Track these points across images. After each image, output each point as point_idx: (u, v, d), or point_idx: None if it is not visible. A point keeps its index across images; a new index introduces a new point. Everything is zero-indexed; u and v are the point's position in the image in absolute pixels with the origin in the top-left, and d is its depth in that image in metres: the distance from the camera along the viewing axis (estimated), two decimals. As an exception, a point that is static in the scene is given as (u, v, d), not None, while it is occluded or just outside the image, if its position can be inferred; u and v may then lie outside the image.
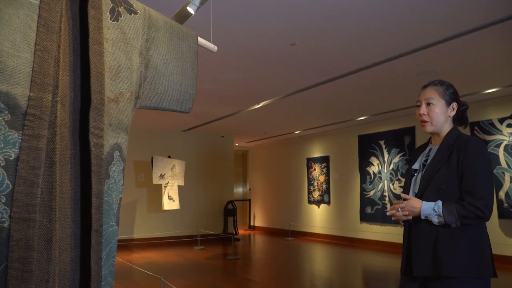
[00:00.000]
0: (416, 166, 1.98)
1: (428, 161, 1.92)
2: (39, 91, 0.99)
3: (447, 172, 1.80)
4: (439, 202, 1.75)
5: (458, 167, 1.78)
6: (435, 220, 1.76)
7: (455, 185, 1.78)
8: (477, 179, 1.73)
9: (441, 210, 1.73)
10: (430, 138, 2.02)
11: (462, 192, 1.75)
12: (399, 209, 1.86)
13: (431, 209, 1.76)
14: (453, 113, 1.91)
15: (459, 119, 1.96)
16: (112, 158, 1.21)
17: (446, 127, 1.92)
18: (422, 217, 1.79)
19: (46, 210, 0.99)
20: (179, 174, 8.26)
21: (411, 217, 1.84)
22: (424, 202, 1.79)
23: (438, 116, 1.89)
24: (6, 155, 0.94)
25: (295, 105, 6.88)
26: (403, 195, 1.89)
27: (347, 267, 6.59)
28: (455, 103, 1.91)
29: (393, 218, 1.90)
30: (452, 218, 1.71)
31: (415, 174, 1.95)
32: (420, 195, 1.85)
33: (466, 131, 2.03)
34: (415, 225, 1.86)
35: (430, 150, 1.97)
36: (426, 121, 1.92)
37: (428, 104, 1.91)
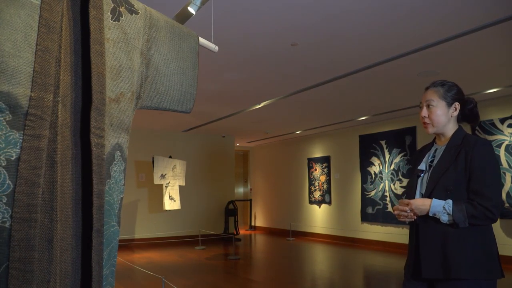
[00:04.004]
0: (422, 166, 1.95)
1: (435, 162, 1.90)
2: (40, 91, 0.99)
3: (454, 172, 1.79)
4: (450, 201, 1.74)
5: (466, 168, 1.77)
6: (443, 218, 1.74)
7: (463, 186, 1.76)
8: (486, 180, 1.72)
9: (451, 208, 1.72)
10: (435, 138, 2.00)
11: (470, 193, 1.74)
12: (408, 210, 1.83)
13: (441, 206, 1.74)
14: (456, 113, 1.90)
15: (468, 117, 1.93)
16: (113, 158, 1.21)
17: (449, 127, 1.91)
18: (430, 214, 1.77)
19: (47, 210, 0.99)
20: (180, 174, 8.26)
21: (415, 217, 1.83)
22: (435, 200, 1.77)
23: (439, 117, 1.89)
24: (7, 155, 0.94)
25: (296, 105, 6.88)
26: (406, 201, 1.85)
27: (348, 267, 6.58)
28: (457, 103, 1.89)
29: (400, 219, 1.86)
30: (461, 217, 1.70)
31: (421, 175, 1.93)
32: (428, 196, 1.83)
33: (467, 131, 2.01)
34: (423, 225, 1.83)
35: (435, 150, 1.96)
36: (427, 123, 1.93)
37: (429, 106, 1.91)
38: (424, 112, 1.92)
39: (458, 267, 1.71)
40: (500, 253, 1.85)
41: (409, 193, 1.96)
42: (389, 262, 6.71)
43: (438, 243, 1.77)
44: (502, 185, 6.05)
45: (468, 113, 1.92)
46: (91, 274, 1.10)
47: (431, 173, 1.88)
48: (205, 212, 9.99)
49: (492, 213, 1.68)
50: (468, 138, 1.84)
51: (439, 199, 1.78)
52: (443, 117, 1.89)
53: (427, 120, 1.92)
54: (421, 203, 1.80)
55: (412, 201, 1.83)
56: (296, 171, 10.76)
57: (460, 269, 1.71)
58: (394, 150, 8.01)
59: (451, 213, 1.72)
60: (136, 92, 1.34)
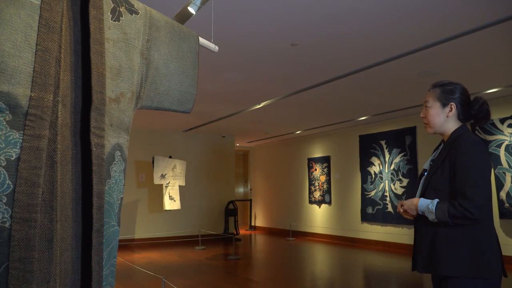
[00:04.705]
0: (426, 165, 2.01)
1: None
2: (40, 91, 0.99)
3: (442, 172, 1.83)
4: (435, 201, 1.79)
5: (451, 167, 1.80)
6: (430, 217, 1.80)
7: (451, 185, 1.80)
8: (467, 180, 1.73)
9: (434, 208, 1.77)
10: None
11: (456, 192, 1.77)
12: (401, 209, 1.94)
13: (426, 206, 1.81)
14: (452, 113, 1.90)
15: (474, 117, 1.91)
16: (113, 158, 1.21)
17: (448, 127, 1.92)
18: (420, 213, 1.84)
19: (47, 210, 0.99)
20: (180, 174, 8.26)
21: (414, 214, 1.90)
22: (422, 199, 1.84)
23: (434, 118, 1.93)
24: (7, 155, 0.94)
25: (296, 105, 6.88)
26: (401, 202, 1.98)
27: (348, 267, 6.58)
28: (453, 103, 1.90)
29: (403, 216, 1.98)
30: (443, 217, 1.74)
31: (425, 174, 1.99)
32: (422, 195, 1.90)
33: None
34: (419, 224, 1.91)
35: (440, 150, 2.00)
36: (426, 124, 1.99)
37: (426, 107, 1.97)
38: (422, 112, 1.99)
39: (445, 264, 1.76)
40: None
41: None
42: (389, 262, 6.71)
43: (429, 240, 1.84)
44: (502, 185, 6.05)
45: (475, 113, 1.90)
46: (91, 274, 1.10)
47: (427, 173, 1.94)
48: (205, 212, 9.98)
49: (472, 213, 1.68)
50: (459, 137, 1.85)
51: (430, 198, 1.83)
52: (437, 118, 1.92)
53: (425, 121, 1.98)
54: (410, 203, 1.88)
55: (404, 201, 1.91)
56: (296, 171, 10.76)
57: (447, 266, 1.75)
58: (394, 150, 8.01)
59: (433, 212, 1.77)
60: (136, 92, 1.34)
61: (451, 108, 1.90)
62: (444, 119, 1.92)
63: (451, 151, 1.82)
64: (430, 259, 1.81)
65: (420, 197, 1.90)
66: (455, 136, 1.88)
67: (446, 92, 1.91)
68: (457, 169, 1.77)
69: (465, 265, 1.72)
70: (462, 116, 1.92)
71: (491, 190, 1.77)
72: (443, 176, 1.81)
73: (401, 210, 1.95)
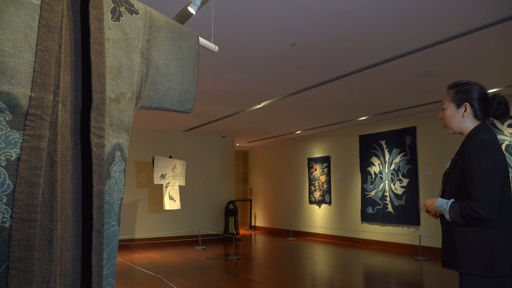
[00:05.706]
0: (447, 164, 2.02)
1: None
2: (40, 91, 0.99)
3: (455, 172, 1.86)
4: (450, 201, 1.83)
5: (461, 168, 1.83)
6: (446, 216, 1.85)
7: (463, 184, 1.82)
8: (474, 180, 1.75)
9: (448, 208, 1.81)
10: None
11: (468, 192, 1.80)
12: (424, 209, 2.03)
13: (442, 206, 1.85)
14: (467, 113, 1.91)
15: (493, 115, 1.91)
16: (113, 158, 1.21)
17: (465, 127, 1.93)
18: (439, 212, 1.90)
19: (47, 210, 0.99)
20: (180, 174, 8.26)
21: (436, 213, 1.95)
22: (440, 199, 1.89)
23: (449, 119, 1.95)
24: (7, 155, 0.94)
25: (296, 105, 6.88)
26: (425, 201, 2.05)
27: (348, 267, 6.58)
28: (467, 103, 1.90)
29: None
30: (455, 217, 1.78)
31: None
32: (441, 194, 1.96)
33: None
34: (442, 221, 1.95)
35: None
36: (444, 125, 2.01)
37: (442, 108, 2.00)
38: (440, 114, 2.01)
39: (459, 261, 1.80)
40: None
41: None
42: (389, 262, 6.71)
43: (449, 238, 1.89)
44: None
45: (493, 111, 1.89)
46: (91, 274, 1.10)
47: (446, 172, 1.98)
48: (205, 212, 9.98)
49: (479, 214, 1.70)
50: (472, 138, 1.87)
51: (448, 198, 1.87)
52: (453, 119, 1.94)
53: (443, 122, 2.00)
54: (430, 202, 1.94)
55: (427, 200, 1.98)
56: (296, 171, 10.76)
57: (461, 263, 1.80)
58: (394, 150, 8.01)
59: (448, 212, 1.82)
60: (136, 92, 1.34)
61: (466, 108, 1.91)
62: (460, 120, 1.92)
63: (464, 152, 1.84)
64: (450, 256, 1.88)
65: (441, 196, 1.95)
66: (470, 136, 1.89)
67: (460, 92, 1.92)
68: (466, 170, 1.79)
69: (475, 263, 1.75)
70: (481, 114, 1.91)
71: (504, 189, 1.77)
72: (457, 176, 1.85)
73: (425, 209, 2.00)
